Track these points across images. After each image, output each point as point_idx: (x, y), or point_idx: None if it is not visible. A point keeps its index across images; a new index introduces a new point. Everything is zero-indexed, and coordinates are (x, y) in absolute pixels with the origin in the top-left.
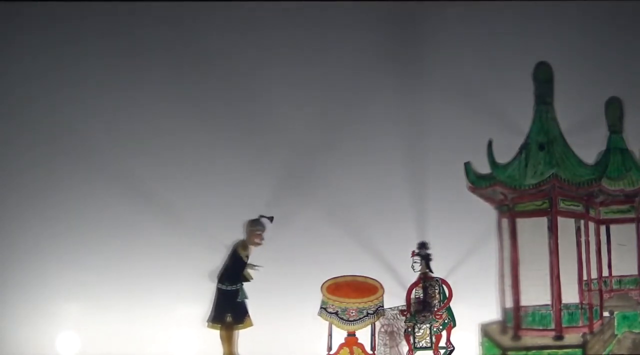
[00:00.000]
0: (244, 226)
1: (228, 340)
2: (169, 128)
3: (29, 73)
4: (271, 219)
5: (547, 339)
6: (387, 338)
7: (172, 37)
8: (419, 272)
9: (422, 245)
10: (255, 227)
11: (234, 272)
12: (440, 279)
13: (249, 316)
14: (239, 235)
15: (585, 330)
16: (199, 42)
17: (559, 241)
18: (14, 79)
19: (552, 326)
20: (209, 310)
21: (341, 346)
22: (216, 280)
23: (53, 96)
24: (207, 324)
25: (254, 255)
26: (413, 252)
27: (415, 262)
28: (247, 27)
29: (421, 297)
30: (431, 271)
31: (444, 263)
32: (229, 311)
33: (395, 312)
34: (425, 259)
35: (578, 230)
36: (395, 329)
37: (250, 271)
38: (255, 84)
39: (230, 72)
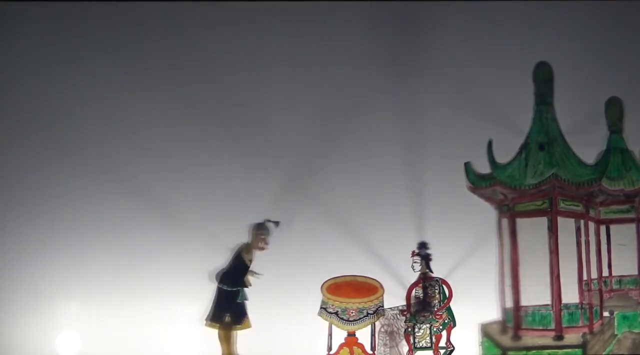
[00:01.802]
0: (250, 229)
1: (226, 340)
2: (171, 130)
3: (30, 75)
4: (277, 223)
5: (547, 339)
6: (387, 338)
7: (172, 38)
8: (419, 272)
9: (422, 245)
10: (260, 231)
11: (235, 275)
12: (440, 279)
13: (247, 318)
14: (238, 235)
15: (585, 330)
16: (200, 45)
17: (559, 241)
18: (16, 81)
19: (552, 326)
20: (208, 309)
21: (341, 346)
22: (216, 281)
23: (55, 98)
24: (205, 322)
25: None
26: (413, 252)
27: (415, 262)
28: (248, 29)
29: (421, 297)
30: (431, 271)
31: (444, 263)
32: (229, 311)
33: (395, 312)
34: (425, 259)
35: (578, 230)
36: (395, 329)
37: (250, 278)
38: (255, 87)
39: (229, 74)
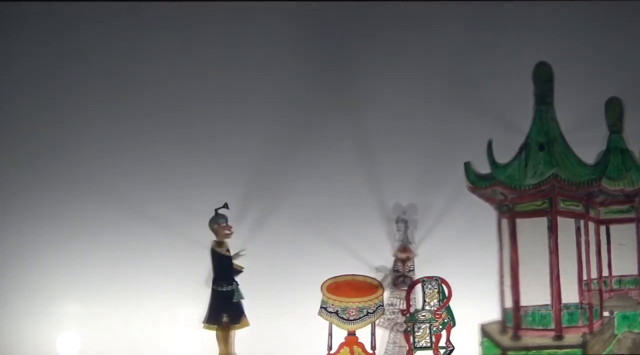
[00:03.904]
0: (209, 227)
1: (224, 341)
2: (169, 134)
3: (27, 79)
4: (225, 205)
5: (547, 339)
6: (396, 336)
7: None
8: (399, 243)
9: (403, 211)
10: (216, 222)
11: (224, 270)
12: (440, 278)
13: (245, 316)
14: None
15: (585, 330)
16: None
17: (559, 241)
18: (13, 86)
19: (552, 326)
20: (205, 311)
21: (341, 345)
22: (212, 285)
23: (55, 98)
24: (203, 325)
25: (249, 254)
26: (398, 217)
27: (399, 230)
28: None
29: (400, 270)
30: (410, 242)
31: (444, 263)
32: (225, 312)
33: (391, 302)
34: (405, 225)
35: (578, 230)
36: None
37: (238, 263)
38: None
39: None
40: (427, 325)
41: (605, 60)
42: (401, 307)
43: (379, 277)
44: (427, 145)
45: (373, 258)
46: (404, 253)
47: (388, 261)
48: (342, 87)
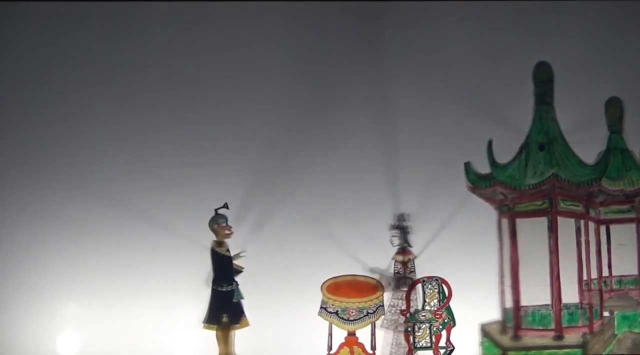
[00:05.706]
0: (210, 227)
1: (224, 341)
2: (168, 135)
3: (27, 80)
4: (225, 205)
5: (547, 339)
6: (399, 337)
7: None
8: (398, 246)
9: (401, 218)
10: (216, 222)
11: (224, 270)
12: (440, 278)
13: (245, 316)
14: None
15: (585, 330)
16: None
17: (559, 241)
18: (13, 86)
19: (552, 326)
20: (205, 311)
21: (341, 346)
22: (212, 285)
23: (55, 98)
24: (203, 325)
25: (249, 254)
26: (392, 225)
27: (394, 236)
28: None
29: (400, 272)
30: (410, 245)
31: (443, 263)
32: (225, 312)
33: (393, 303)
34: (404, 231)
35: (578, 230)
36: (400, 322)
37: (238, 263)
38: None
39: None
40: (427, 325)
41: (605, 60)
42: (402, 307)
43: (375, 277)
44: (427, 145)
45: (374, 258)
46: (404, 255)
47: (388, 261)
48: (342, 87)
